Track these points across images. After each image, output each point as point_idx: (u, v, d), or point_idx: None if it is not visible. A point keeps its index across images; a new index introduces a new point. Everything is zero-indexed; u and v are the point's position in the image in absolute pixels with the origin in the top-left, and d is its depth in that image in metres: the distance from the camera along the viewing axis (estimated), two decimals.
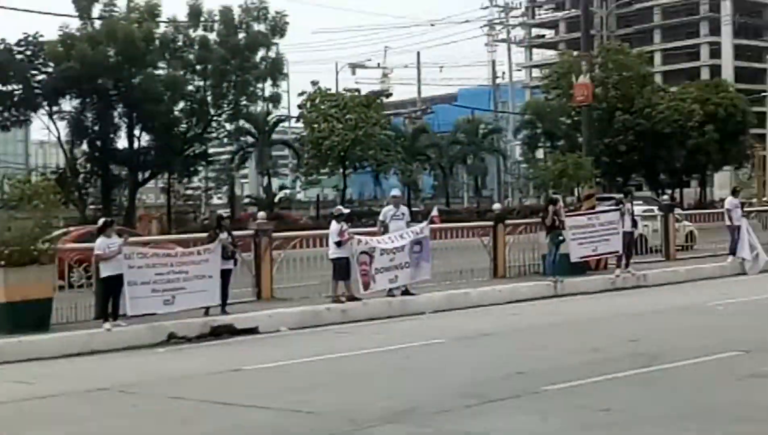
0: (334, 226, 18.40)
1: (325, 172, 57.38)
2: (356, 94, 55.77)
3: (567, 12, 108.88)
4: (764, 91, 76.99)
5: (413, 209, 43.59)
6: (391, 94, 66.51)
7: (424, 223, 19.77)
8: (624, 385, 10.48)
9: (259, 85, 52.01)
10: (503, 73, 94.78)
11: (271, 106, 55.65)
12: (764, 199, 42.52)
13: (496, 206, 25.91)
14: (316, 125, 52.10)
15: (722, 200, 31.35)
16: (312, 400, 10.50)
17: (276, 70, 51.01)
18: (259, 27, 50.30)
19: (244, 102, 51.63)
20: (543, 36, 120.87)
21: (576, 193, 29.25)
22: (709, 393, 9.94)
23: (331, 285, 18.44)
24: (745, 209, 27.16)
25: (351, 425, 9.18)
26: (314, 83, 54.81)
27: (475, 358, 12.95)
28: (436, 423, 9.14)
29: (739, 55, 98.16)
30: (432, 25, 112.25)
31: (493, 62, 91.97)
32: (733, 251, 24.84)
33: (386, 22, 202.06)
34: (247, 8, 50.14)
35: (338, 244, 18.18)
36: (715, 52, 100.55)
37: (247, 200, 68.34)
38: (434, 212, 20.74)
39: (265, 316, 16.96)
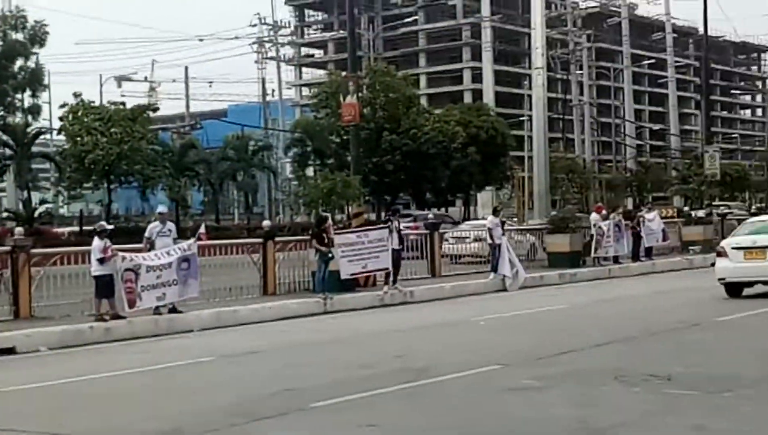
0: (97, 242, 17.82)
1: (89, 187, 55.61)
2: (121, 107, 54.35)
3: (335, 33, 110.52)
4: (522, 116, 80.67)
5: (182, 226, 42.90)
6: (158, 109, 64.98)
7: (192, 240, 19.46)
8: (391, 400, 10.60)
9: (18, 96, 49.89)
10: (273, 90, 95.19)
11: (30, 117, 53.52)
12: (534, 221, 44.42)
13: (266, 223, 25.84)
14: (78, 138, 50.33)
15: (485, 219, 32.47)
16: (72, 422, 10.06)
17: (35, 80, 49.14)
18: (17, 36, 48.27)
19: (1, 113, 49.40)
20: (312, 55, 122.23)
21: (346, 211, 29.59)
22: (472, 406, 10.19)
23: (94, 303, 17.83)
24: (506, 228, 28.25)
25: None
26: (77, 95, 52.89)
27: (243, 376, 12.80)
28: None
29: (499, 81, 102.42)
30: (200, 40, 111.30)
31: (263, 80, 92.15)
32: (494, 268, 25.78)
33: (153, 35, 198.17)
34: (4, 16, 48.05)
35: (101, 260, 17.62)
36: (477, 77, 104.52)
37: (5, 215, 65.22)
38: (201, 229, 20.48)
39: (23, 336, 16.17)
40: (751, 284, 20.91)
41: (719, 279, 21.02)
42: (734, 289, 20.91)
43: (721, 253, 21.12)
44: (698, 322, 16.71)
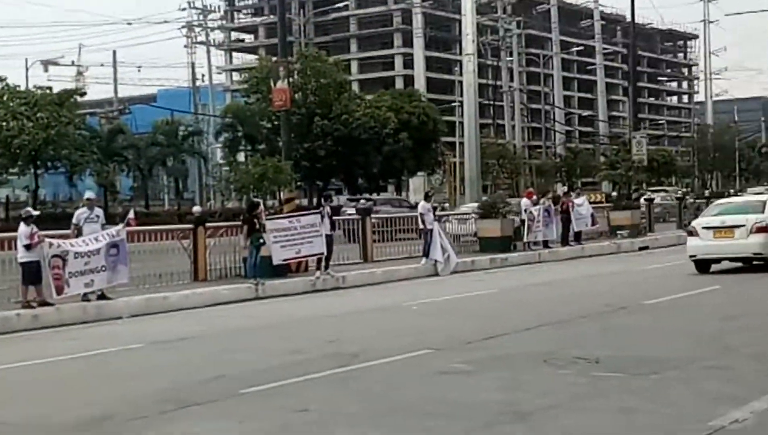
0: (23, 228, 17.54)
1: (15, 172, 54.75)
2: (48, 91, 53.53)
3: (265, 17, 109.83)
4: (453, 102, 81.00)
5: (111, 212, 42.38)
6: (85, 93, 64.02)
7: (120, 226, 19.26)
8: (323, 385, 10.61)
9: None
10: (203, 75, 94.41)
11: None
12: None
13: (197, 209, 25.67)
14: (4, 123, 49.50)
15: (417, 204, 32.52)
16: (3, 410, 9.91)
17: None
18: None
19: None
20: (242, 40, 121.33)
21: (278, 197, 29.50)
22: (403, 390, 10.24)
23: (21, 290, 17.56)
24: (438, 213, 28.39)
25: None
26: (2, 79, 51.86)
27: (173, 363, 12.71)
28: (132, 430, 8.87)
29: (430, 67, 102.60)
30: (129, 24, 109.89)
31: (193, 64, 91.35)
32: (426, 253, 25.90)
33: (80, 19, 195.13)
34: None
35: (28, 247, 17.36)
36: (408, 62, 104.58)
37: None
38: (130, 214, 20.29)
39: None
40: (718, 261, 22.63)
41: (690, 256, 22.60)
42: (703, 265, 22.59)
43: (692, 233, 22.70)
44: (626, 305, 16.95)
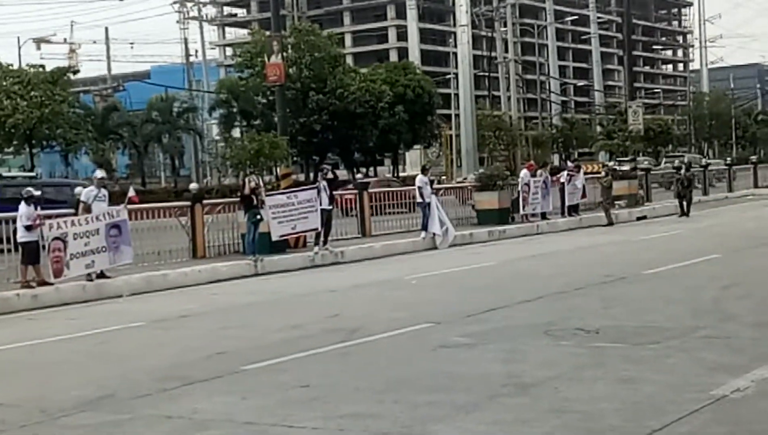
0: (24, 208, 17.49)
1: (10, 152, 54.71)
2: (41, 70, 53.36)
3: None
4: (448, 74, 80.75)
5: (108, 190, 42.24)
6: (78, 71, 63.82)
7: (121, 206, 19.20)
8: (324, 361, 10.62)
9: None
10: (196, 51, 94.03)
11: None
12: (460, 179, 44.86)
13: (193, 186, 25.59)
14: None
15: (415, 178, 32.48)
16: (3, 391, 9.91)
17: None
18: None
19: None
20: (235, 14, 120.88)
21: (274, 173, 29.46)
22: (404, 364, 10.24)
23: (20, 270, 17.55)
24: (435, 186, 28.33)
25: (42, 416, 8.72)
26: None
27: (174, 341, 12.72)
28: (135, 408, 8.86)
29: (424, 39, 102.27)
30: (120, 0, 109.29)
31: (186, 40, 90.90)
32: (425, 227, 25.89)
33: None
34: None
35: (28, 227, 17.32)
36: (402, 35, 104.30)
37: None
38: (131, 192, 20.21)
39: None
40: None
41: None
42: None
43: None
44: (625, 275, 16.97)
